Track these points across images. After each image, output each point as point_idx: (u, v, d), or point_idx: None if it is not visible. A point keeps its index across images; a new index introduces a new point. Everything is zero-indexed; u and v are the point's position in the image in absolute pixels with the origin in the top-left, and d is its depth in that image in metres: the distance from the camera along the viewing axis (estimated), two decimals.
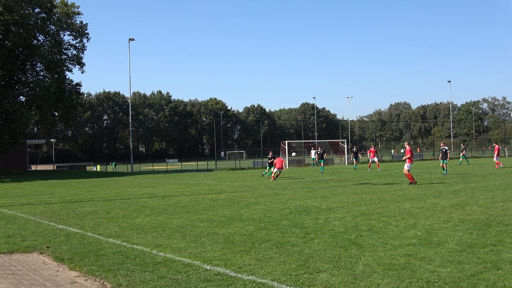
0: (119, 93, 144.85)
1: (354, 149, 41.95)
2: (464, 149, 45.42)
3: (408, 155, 21.67)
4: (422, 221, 11.05)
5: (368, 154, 40.68)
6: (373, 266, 7.13)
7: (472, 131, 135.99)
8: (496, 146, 35.03)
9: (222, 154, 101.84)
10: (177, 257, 8.14)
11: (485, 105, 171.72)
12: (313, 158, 49.69)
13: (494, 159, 34.64)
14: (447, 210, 12.75)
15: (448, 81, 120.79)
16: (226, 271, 7.16)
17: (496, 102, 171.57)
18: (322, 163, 37.16)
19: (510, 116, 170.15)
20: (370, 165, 37.07)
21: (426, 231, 9.76)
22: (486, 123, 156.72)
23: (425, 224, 10.69)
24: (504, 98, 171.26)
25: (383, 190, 19.27)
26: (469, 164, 43.01)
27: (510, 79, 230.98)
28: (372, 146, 38.47)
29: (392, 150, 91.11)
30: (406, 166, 21.43)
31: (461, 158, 43.95)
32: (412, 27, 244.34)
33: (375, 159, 36.58)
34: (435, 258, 7.48)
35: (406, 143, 22.48)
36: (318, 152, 37.05)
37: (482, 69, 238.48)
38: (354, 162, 40.70)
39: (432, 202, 14.71)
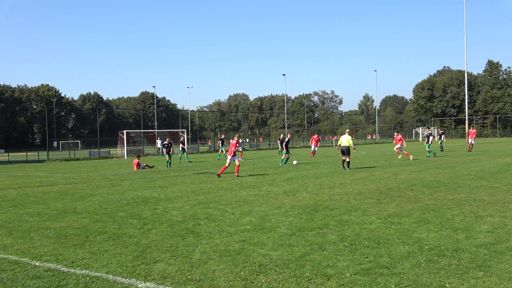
0: None
1: (223, 137, 41.85)
2: (281, 140, 47.82)
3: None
4: (257, 208, 11.53)
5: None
6: (210, 253, 7.29)
7: (304, 122, 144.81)
8: (314, 137, 38.03)
9: (55, 144, 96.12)
10: (2, 255, 7.55)
11: (316, 98, 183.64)
12: (160, 148, 49.25)
13: (313, 148, 37.28)
14: (280, 197, 13.46)
15: (283, 74, 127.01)
16: (58, 266, 6.81)
17: (325, 96, 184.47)
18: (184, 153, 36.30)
19: (337, 109, 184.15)
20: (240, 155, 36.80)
21: (260, 217, 10.21)
22: (316, 114, 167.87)
23: (259, 210, 11.17)
24: (333, 92, 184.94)
25: (221, 179, 19.72)
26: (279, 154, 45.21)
27: (338, 74, 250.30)
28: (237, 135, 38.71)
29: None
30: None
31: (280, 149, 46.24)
32: (250, 22, 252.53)
33: (239, 148, 37.04)
34: (267, 242, 7.87)
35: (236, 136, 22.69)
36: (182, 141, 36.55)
37: (314, 64, 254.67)
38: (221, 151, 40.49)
39: (267, 189, 15.42)
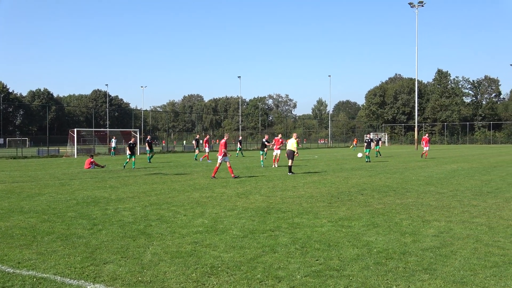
0: None
1: (197, 137, 40.83)
2: (240, 141, 47.66)
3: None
4: (210, 210, 11.52)
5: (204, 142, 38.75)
6: (161, 254, 7.23)
7: (258, 125, 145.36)
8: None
9: (2, 141, 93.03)
10: None
11: (270, 101, 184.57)
12: (114, 147, 48.60)
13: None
14: (233, 199, 13.48)
15: (238, 77, 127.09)
16: (3, 267, 6.61)
17: (280, 99, 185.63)
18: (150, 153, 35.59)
19: (291, 112, 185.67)
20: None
21: (213, 219, 10.20)
22: (270, 118, 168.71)
23: (212, 212, 11.16)
24: (287, 96, 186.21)
25: (174, 180, 19.58)
26: (243, 156, 45.03)
27: (293, 78, 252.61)
28: (207, 136, 38.32)
29: (184, 141, 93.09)
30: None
31: (237, 151, 46.02)
32: (205, 23, 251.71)
33: (207, 149, 36.89)
34: (219, 244, 7.87)
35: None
36: (148, 141, 36.09)
37: (269, 67, 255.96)
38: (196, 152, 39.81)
39: (220, 191, 15.40)
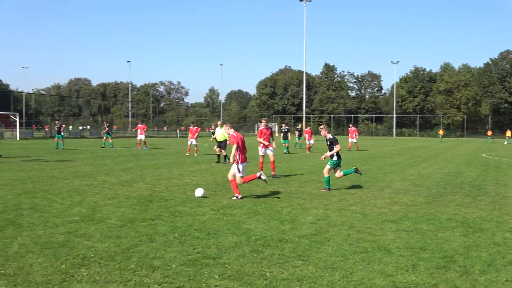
0: None
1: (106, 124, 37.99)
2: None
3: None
4: (89, 198, 11.06)
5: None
6: (30, 245, 6.81)
7: (149, 111, 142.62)
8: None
9: None
10: None
11: (162, 88, 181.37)
12: None
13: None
14: (115, 187, 13.06)
15: (128, 61, 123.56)
16: None
17: (172, 86, 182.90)
18: None
19: (183, 100, 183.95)
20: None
21: (91, 208, 9.80)
22: (162, 104, 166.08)
23: (91, 201, 10.72)
24: (179, 83, 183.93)
25: (54, 167, 18.62)
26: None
27: (185, 65, 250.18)
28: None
29: (70, 127, 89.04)
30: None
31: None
32: (94, 4, 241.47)
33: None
34: (95, 234, 7.57)
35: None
36: None
37: (160, 53, 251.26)
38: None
39: (102, 179, 14.87)
